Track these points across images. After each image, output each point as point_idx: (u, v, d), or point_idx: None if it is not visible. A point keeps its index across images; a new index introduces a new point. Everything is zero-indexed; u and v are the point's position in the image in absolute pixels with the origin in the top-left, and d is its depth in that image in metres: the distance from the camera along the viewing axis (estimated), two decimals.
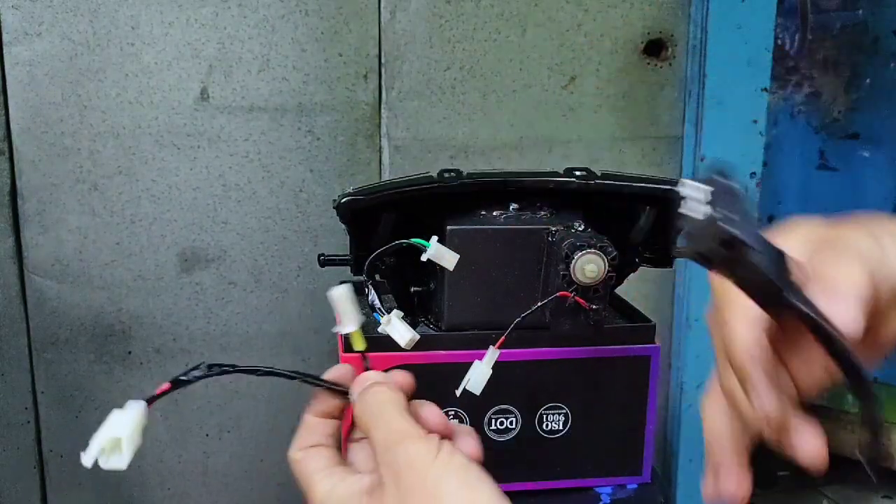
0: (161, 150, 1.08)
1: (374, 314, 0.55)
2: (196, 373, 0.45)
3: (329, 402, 0.47)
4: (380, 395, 0.44)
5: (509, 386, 0.76)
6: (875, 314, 0.36)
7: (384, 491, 0.40)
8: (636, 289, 1.24)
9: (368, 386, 0.45)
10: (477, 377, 0.56)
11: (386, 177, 1.14)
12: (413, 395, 0.47)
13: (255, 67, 1.07)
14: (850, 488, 1.87)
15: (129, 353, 1.13)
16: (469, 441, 0.44)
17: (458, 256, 0.56)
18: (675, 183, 0.74)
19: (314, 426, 0.47)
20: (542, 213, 0.75)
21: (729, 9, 1.13)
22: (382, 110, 1.12)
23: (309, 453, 0.47)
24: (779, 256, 0.36)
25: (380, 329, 0.55)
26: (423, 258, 0.56)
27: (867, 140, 1.54)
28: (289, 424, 1.18)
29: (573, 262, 0.67)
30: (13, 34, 1.02)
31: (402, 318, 0.55)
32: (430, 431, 0.42)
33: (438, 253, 0.56)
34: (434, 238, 0.56)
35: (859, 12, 1.47)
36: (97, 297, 1.10)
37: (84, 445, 0.43)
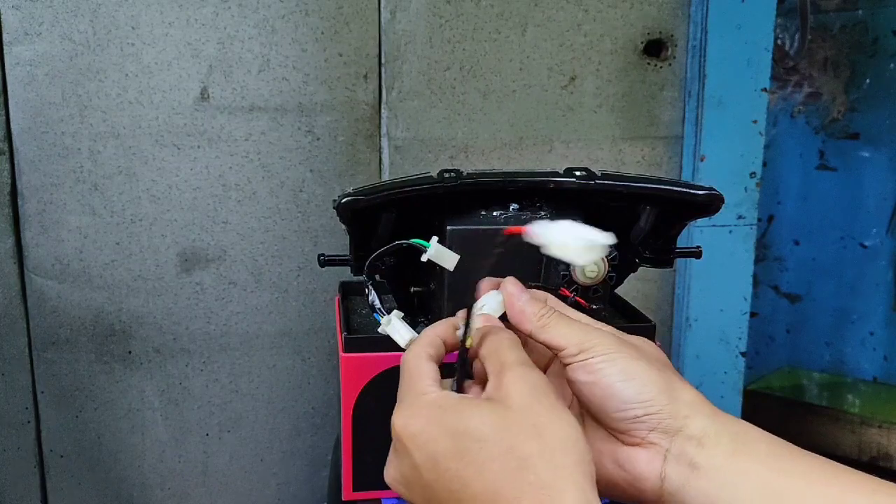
0: (161, 150, 1.08)
1: (375, 314, 0.55)
2: None
3: (452, 330, 0.51)
4: (503, 335, 0.49)
5: None
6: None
7: (509, 396, 0.44)
8: (636, 289, 1.24)
9: (495, 329, 0.50)
10: (493, 304, 0.55)
11: (386, 177, 1.14)
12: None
13: (255, 67, 1.07)
14: None
15: (130, 352, 1.13)
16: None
17: (458, 257, 0.56)
18: (675, 183, 0.74)
19: (433, 339, 0.50)
20: (542, 213, 0.75)
21: (729, 9, 1.13)
22: (382, 110, 1.12)
23: (423, 358, 0.49)
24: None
25: (380, 329, 0.55)
26: (424, 259, 0.56)
27: (867, 140, 1.54)
28: (289, 425, 1.18)
29: None
30: (13, 34, 1.02)
31: (402, 318, 0.55)
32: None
33: (439, 253, 0.56)
34: (434, 238, 0.56)
35: (859, 12, 1.47)
36: (97, 296, 1.10)
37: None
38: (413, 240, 0.56)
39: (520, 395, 0.43)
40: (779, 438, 0.46)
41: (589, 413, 0.50)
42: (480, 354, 0.48)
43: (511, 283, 0.52)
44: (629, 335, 0.51)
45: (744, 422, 0.47)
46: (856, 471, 0.44)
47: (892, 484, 0.42)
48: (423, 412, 0.44)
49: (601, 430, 0.49)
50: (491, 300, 0.52)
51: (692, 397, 0.47)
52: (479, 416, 0.42)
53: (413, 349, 0.49)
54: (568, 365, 0.48)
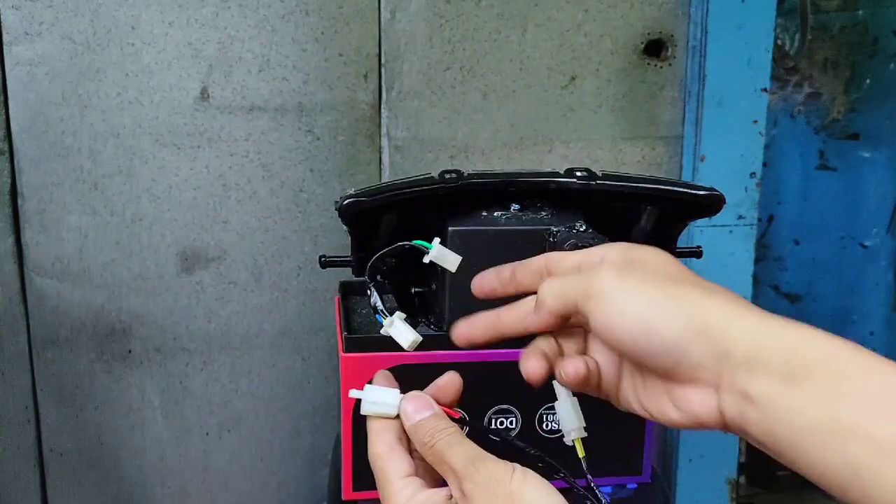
0: (161, 150, 1.08)
1: (377, 316, 0.55)
2: None
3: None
4: (443, 427, 0.47)
5: (509, 386, 0.76)
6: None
7: (469, 501, 0.44)
8: None
9: (428, 418, 0.48)
10: (568, 414, 0.53)
11: (386, 177, 1.14)
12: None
13: (255, 67, 1.07)
14: None
15: (130, 352, 1.13)
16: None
17: (460, 258, 0.56)
18: (676, 183, 0.74)
19: (386, 424, 0.49)
20: (543, 213, 0.75)
21: (729, 9, 1.13)
22: (382, 110, 1.12)
23: (392, 451, 0.48)
24: None
25: (382, 331, 0.55)
26: (426, 260, 0.56)
27: (867, 140, 1.54)
28: (289, 424, 1.18)
29: None
30: (13, 34, 1.02)
31: (405, 319, 0.55)
32: (447, 400, 0.50)
33: (441, 255, 0.56)
34: (436, 240, 0.56)
35: (859, 12, 1.47)
36: (97, 296, 1.10)
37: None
38: (415, 241, 0.56)
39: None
40: (844, 345, 0.40)
41: (633, 363, 0.48)
42: (433, 448, 0.47)
43: (407, 400, 0.49)
44: (630, 249, 0.49)
45: (799, 326, 0.42)
46: None
47: None
48: None
49: (652, 374, 0.46)
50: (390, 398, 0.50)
51: (726, 312, 0.42)
52: None
53: (374, 447, 0.49)
54: (594, 330, 0.46)
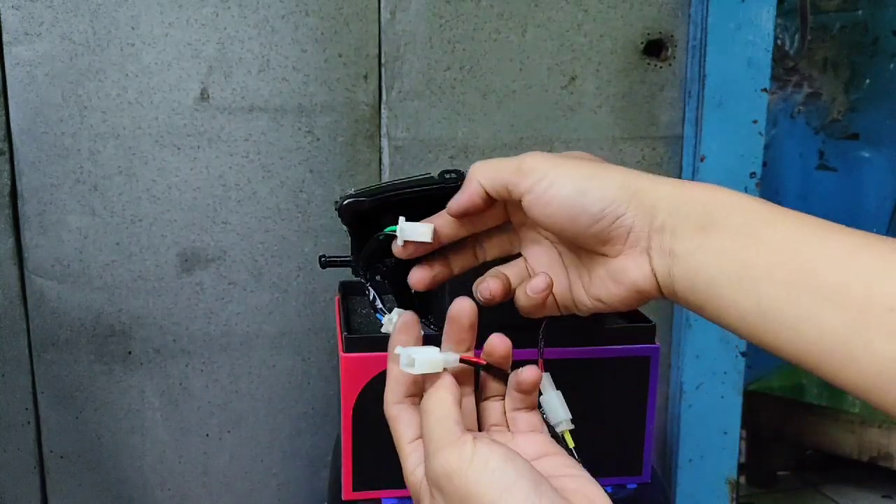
0: (161, 150, 1.08)
1: (377, 315, 0.55)
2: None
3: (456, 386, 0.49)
4: (430, 400, 0.46)
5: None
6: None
7: (433, 497, 0.43)
8: None
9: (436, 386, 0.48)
10: (554, 406, 0.53)
11: (386, 177, 1.14)
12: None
13: (255, 68, 1.07)
14: (850, 488, 1.87)
15: (130, 353, 1.13)
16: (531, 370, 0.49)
17: (433, 226, 0.54)
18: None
19: (398, 377, 0.50)
20: None
21: (729, 9, 1.13)
22: (382, 110, 1.12)
23: (401, 412, 0.49)
24: None
25: (383, 329, 0.55)
26: (399, 243, 0.54)
27: (867, 140, 1.54)
28: (289, 425, 1.18)
29: None
30: (13, 34, 1.02)
31: None
32: (496, 361, 0.49)
33: (411, 230, 0.54)
34: (401, 218, 0.55)
35: (859, 12, 1.47)
36: (97, 297, 1.10)
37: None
38: (386, 230, 0.55)
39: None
40: (757, 202, 0.44)
41: (569, 246, 0.50)
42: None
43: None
44: (564, 156, 0.51)
45: (711, 186, 0.46)
46: (839, 227, 0.42)
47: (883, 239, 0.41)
48: (413, 493, 0.47)
49: (588, 255, 0.49)
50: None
51: (650, 178, 0.46)
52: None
53: (387, 406, 0.50)
54: (526, 208, 0.48)
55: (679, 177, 1.20)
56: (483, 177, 0.49)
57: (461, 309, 0.50)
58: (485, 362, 0.50)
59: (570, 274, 0.51)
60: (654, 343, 0.80)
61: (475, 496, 0.40)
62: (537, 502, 0.39)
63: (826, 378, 0.39)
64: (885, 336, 0.36)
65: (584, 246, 0.48)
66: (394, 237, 0.54)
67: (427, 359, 0.47)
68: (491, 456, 0.41)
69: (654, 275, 0.46)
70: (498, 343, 0.50)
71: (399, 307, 0.59)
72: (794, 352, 0.40)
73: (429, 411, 0.46)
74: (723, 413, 1.25)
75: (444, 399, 0.46)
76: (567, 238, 0.49)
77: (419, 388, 0.49)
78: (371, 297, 0.56)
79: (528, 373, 0.49)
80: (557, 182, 0.46)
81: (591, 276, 0.49)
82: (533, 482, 0.40)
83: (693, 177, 1.18)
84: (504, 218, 0.54)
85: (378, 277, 0.58)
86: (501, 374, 0.50)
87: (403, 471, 0.47)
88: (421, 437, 0.47)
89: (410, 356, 0.47)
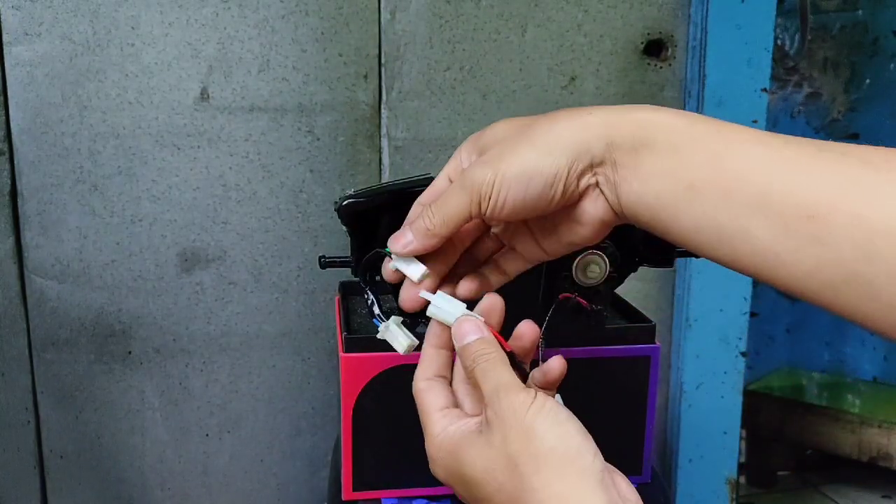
0: (161, 150, 1.08)
1: (374, 320, 0.55)
2: None
3: (446, 336, 0.51)
4: (485, 353, 0.48)
5: None
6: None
7: (491, 430, 0.45)
8: (636, 289, 1.24)
9: (475, 342, 0.49)
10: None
11: (386, 177, 1.14)
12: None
13: (255, 67, 1.07)
14: (850, 488, 1.87)
15: (129, 353, 1.13)
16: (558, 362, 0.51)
17: (426, 270, 0.53)
18: None
19: (433, 357, 0.52)
20: None
21: (729, 9, 1.13)
22: (382, 110, 1.12)
23: (430, 386, 0.51)
24: None
25: (378, 336, 0.54)
26: (391, 267, 0.53)
27: (867, 140, 1.54)
28: (289, 425, 1.18)
29: (575, 263, 0.67)
30: (13, 34, 1.02)
31: (402, 322, 0.54)
32: (525, 346, 0.51)
33: (405, 264, 0.52)
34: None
35: (859, 12, 1.47)
36: (97, 297, 1.10)
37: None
38: (387, 249, 0.53)
39: (516, 420, 0.44)
40: (685, 119, 0.44)
41: (534, 219, 0.50)
42: (473, 372, 0.48)
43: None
44: (477, 138, 0.51)
45: (647, 109, 0.47)
46: (769, 135, 0.42)
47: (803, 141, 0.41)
48: (438, 460, 0.48)
49: (551, 219, 0.50)
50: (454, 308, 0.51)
51: (580, 124, 0.47)
52: (471, 459, 0.46)
53: (416, 382, 0.51)
54: (489, 220, 0.50)
55: None
56: (442, 228, 0.49)
57: (492, 305, 0.52)
58: (510, 349, 0.50)
59: (536, 232, 0.52)
60: (654, 343, 0.80)
61: (539, 439, 0.43)
62: (593, 460, 0.44)
63: (769, 284, 0.42)
64: (807, 243, 0.38)
65: (546, 217, 0.50)
66: (389, 256, 0.52)
67: (443, 307, 0.50)
68: (559, 409, 0.45)
69: (610, 206, 0.47)
70: (527, 330, 0.52)
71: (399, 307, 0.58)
72: (734, 263, 0.42)
73: (491, 359, 0.48)
74: (723, 413, 1.25)
75: (499, 352, 0.48)
76: (528, 218, 0.50)
77: (449, 369, 0.51)
78: (369, 303, 0.56)
79: (556, 363, 0.51)
80: (505, 186, 0.46)
81: (556, 227, 0.50)
82: (581, 426, 0.45)
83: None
84: (482, 229, 0.54)
85: (378, 278, 0.57)
86: (520, 365, 0.50)
87: (427, 436, 0.49)
88: (452, 405, 0.49)
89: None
